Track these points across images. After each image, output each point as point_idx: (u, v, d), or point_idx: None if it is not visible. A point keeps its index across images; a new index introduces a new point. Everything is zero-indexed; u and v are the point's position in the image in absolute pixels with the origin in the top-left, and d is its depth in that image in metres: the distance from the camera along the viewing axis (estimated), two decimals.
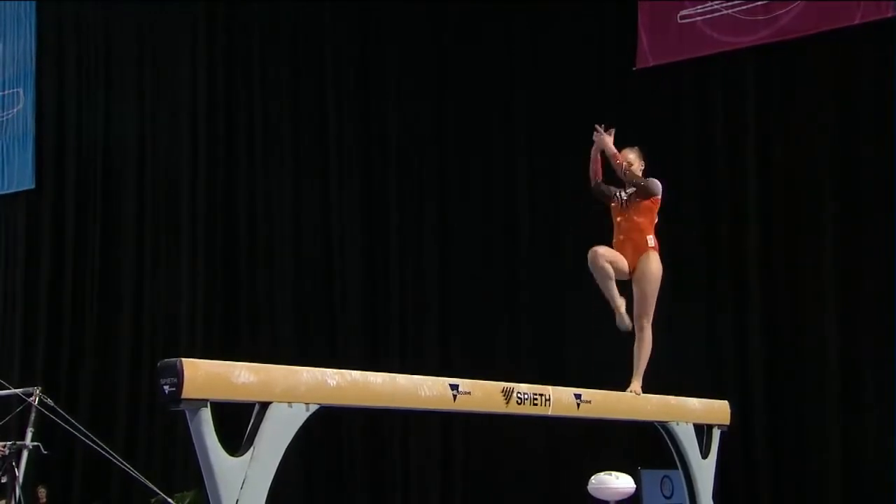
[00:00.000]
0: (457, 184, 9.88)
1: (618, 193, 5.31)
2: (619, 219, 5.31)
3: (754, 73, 8.46)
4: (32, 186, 12.78)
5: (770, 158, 8.38)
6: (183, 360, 2.90)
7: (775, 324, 8.24)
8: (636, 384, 5.07)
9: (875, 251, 7.83)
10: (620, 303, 5.09)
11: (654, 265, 5.21)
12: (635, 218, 5.24)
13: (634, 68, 8.82)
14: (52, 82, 12.81)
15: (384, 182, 10.30)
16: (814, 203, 8.18)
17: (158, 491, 7.73)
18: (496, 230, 9.65)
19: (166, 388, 2.89)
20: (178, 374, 2.87)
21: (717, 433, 5.22)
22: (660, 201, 5.33)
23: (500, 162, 9.65)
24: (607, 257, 5.14)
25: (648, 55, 8.81)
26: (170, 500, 8.26)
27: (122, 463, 7.47)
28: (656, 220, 5.32)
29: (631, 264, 5.21)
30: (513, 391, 4.05)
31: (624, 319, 5.08)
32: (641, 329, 5.18)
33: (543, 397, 4.20)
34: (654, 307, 5.20)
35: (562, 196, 9.13)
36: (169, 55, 11.92)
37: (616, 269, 5.15)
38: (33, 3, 13.02)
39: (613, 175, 5.37)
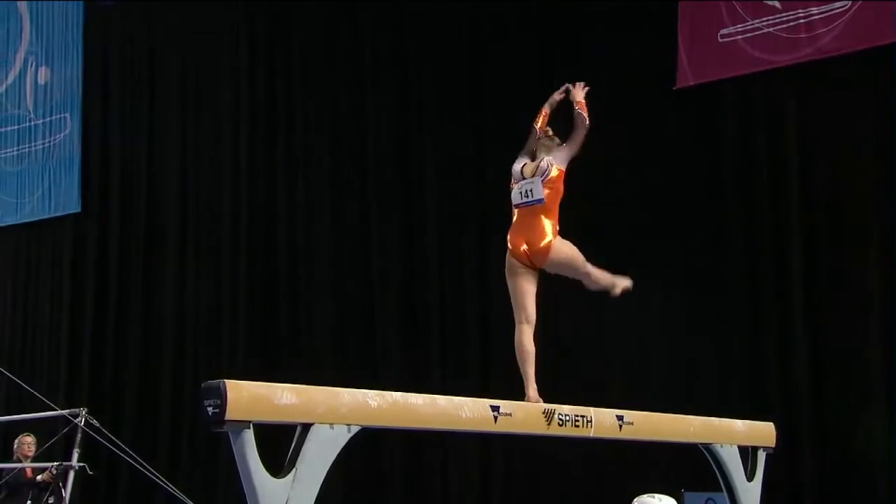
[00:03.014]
0: (496, 202, 9.87)
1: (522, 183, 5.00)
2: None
3: (796, 92, 8.38)
4: (78, 210, 12.99)
5: (813, 176, 8.29)
6: (226, 381, 2.92)
7: (820, 344, 8.13)
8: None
9: None
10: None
11: (565, 248, 4.92)
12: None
13: (674, 87, 8.79)
14: (97, 107, 13.03)
15: (423, 201, 10.33)
16: (858, 220, 8.07)
17: None
18: None
19: (210, 409, 2.91)
20: (221, 395, 2.90)
21: (762, 455, 5.15)
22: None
23: None
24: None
25: (688, 74, 8.77)
26: None
27: (166, 484, 7.54)
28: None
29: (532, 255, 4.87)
30: (554, 412, 4.03)
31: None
32: (589, 274, 4.97)
33: (585, 419, 4.18)
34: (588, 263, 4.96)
35: (601, 214, 9.09)
36: (212, 79, 12.08)
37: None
38: (80, 29, 13.27)
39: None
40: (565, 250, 4.91)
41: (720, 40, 8.65)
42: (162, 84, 12.51)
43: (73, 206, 13.03)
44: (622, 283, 5.08)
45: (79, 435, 8.04)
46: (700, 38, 8.74)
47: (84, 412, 8.13)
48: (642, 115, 8.91)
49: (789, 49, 8.33)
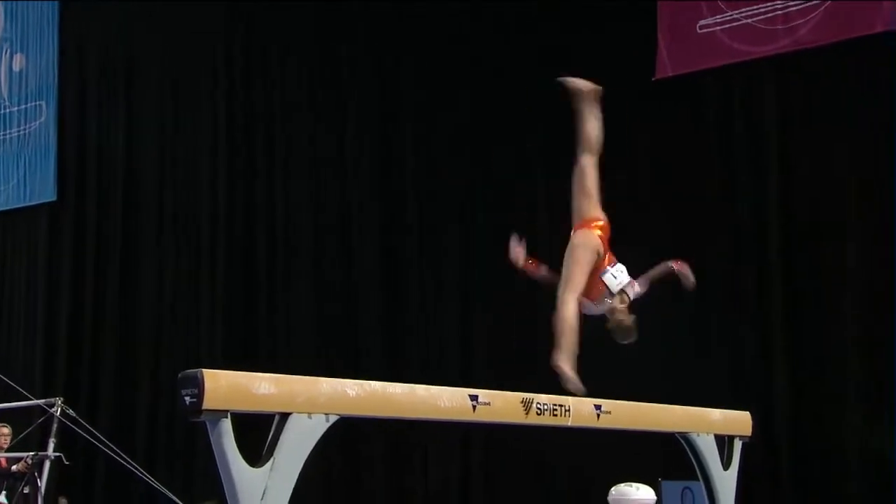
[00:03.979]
0: (478, 194, 9.89)
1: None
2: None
3: (775, 82, 8.43)
4: (54, 198, 12.89)
5: (792, 166, 8.34)
6: (204, 370, 2.91)
7: (798, 334, 8.19)
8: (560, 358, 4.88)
9: None
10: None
11: (577, 238, 5.14)
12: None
13: (654, 78, 8.81)
14: (73, 94, 12.92)
15: (403, 197, 10.31)
16: (837, 210, 8.13)
17: (179, 501, 7.76)
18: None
19: (187, 398, 2.89)
20: (198, 384, 2.88)
21: (738, 444, 5.18)
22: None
23: (520, 172, 9.65)
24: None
25: (668, 65, 8.79)
26: None
27: (143, 473, 7.51)
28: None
29: None
30: (532, 402, 4.04)
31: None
32: (564, 287, 5.04)
33: (563, 408, 4.19)
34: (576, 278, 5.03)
35: None
36: (190, 66, 12.00)
37: None
38: (56, 16, 13.15)
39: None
40: (576, 242, 5.09)
41: (699, 31, 8.68)
42: (139, 72, 12.42)
43: (48, 194, 12.94)
44: (563, 365, 4.86)
45: (54, 424, 8.00)
46: (679, 29, 8.77)
47: (60, 402, 8.09)
48: (622, 105, 8.91)
49: (767, 40, 8.37)
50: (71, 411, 7.92)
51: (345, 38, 10.82)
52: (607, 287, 5.17)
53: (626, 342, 5.22)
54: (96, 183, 12.62)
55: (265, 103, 11.35)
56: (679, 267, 5.36)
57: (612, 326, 5.20)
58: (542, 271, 5.43)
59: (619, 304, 5.14)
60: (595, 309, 5.25)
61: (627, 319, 5.14)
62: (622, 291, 5.17)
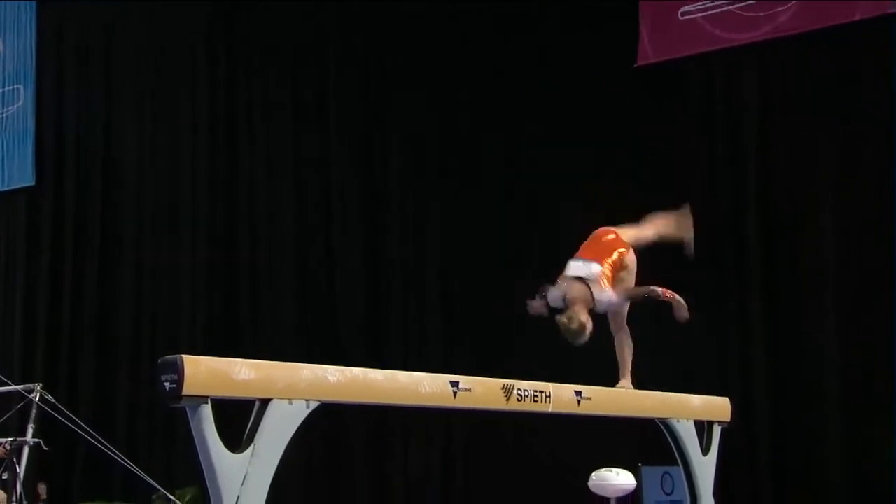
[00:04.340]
0: (459, 184, 9.86)
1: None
2: None
3: (756, 69, 8.45)
4: (32, 183, 12.79)
5: (773, 154, 8.37)
6: (183, 356, 2.90)
7: (778, 322, 8.23)
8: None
9: (878, 251, 7.81)
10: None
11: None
12: None
13: (635, 65, 8.81)
14: (52, 78, 12.80)
15: (385, 185, 10.27)
16: (816, 200, 8.16)
17: (160, 487, 7.75)
18: (498, 229, 9.61)
19: (167, 384, 2.89)
20: (178, 370, 2.87)
21: (717, 430, 5.21)
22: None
23: (503, 162, 9.64)
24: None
25: (650, 52, 8.80)
26: (171, 496, 8.27)
27: (123, 459, 7.49)
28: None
29: None
30: (513, 388, 4.05)
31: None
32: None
33: (544, 394, 4.20)
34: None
35: (564, 193, 9.11)
36: (170, 52, 11.91)
37: None
38: (34, 1, 13.02)
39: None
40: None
41: (681, 18, 8.69)
42: (118, 55, 12.32)
43: (27, 179, 12.84)
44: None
45: (33, 410, 7.96)
46: (661, 16, 8.77)
47: (39, 387, 8.04)
48: (603, 92, 8.92)
49: (748, 27, 8.39)
50: (50, 397, 7.88)
51: (334, 37, 10.74)
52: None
53: (575, 343, 4.87)
54: (75, 168, 12.52)
55: (247, 84, 11.26)
56: (670, 297, 5.18)
57: (560, 323, 4.89)
58: (545, 309, 5.13)
59: (576, 294, 4.89)
60: (551, 294, 5.02)
61: (576, 322, 4.82)
62: (584, 283, 4.95)
